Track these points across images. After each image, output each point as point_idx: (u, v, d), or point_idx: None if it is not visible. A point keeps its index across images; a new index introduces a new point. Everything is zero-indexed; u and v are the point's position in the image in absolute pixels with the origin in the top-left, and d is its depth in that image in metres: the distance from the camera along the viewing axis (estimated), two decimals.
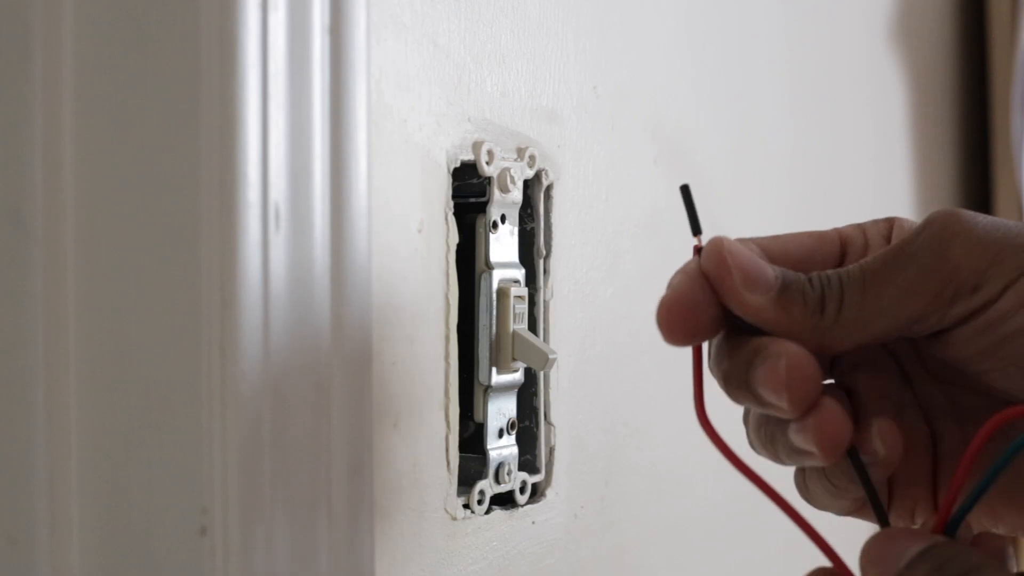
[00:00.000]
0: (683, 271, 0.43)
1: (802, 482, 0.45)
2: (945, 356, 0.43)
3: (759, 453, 0.44)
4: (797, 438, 0.41)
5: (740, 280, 0.41)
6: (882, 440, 0.42)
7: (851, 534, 0.42)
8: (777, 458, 0.44)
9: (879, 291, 0.41)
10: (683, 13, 0.74)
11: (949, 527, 0.39)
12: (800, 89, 0.90)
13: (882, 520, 0.41)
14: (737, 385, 0.42)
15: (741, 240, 0.44)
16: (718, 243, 0.42)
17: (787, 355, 0.40)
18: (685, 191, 0.44)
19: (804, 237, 0.45)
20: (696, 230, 0.44)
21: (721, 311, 0.42)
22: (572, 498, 0.62)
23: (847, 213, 1.02)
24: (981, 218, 0.41)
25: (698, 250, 0.43)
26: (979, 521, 0.44)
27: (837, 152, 0.97)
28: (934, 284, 0.41)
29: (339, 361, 0.45)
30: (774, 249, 0.44)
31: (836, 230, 0.46)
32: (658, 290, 0.42)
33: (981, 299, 0.41)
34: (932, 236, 0.41)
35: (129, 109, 0.42)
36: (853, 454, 0.42)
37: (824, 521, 0.43)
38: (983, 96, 1.23)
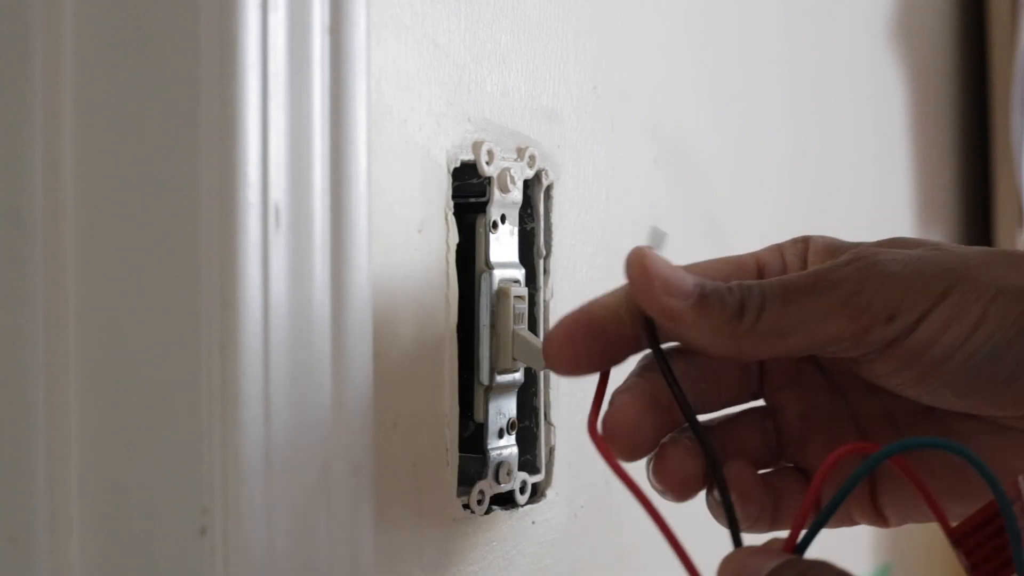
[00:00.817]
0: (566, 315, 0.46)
1: (708, 498, 0.47)
2: (878, 383, 0.45)
3: None
4: (651, 480, 0.46)
5: (660, 286, 0.43)
6: (731, 482, 0.45)
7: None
8: (661, 494, 0.46)
9: (800, 306, 0.42)
10: (683, 13, 0.74)
11: (797, 551, 0.41)
12: (800, 89, 0.90)
13: (736, 540, 0.43)
14: None
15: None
16: (639, 252, 0.44)
17: (615, 400, 0.45)
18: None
19: (720, 264, 0.47)
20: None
21: (602, 354, 0.45)
22: (572, 498, 0.62)
23: (847, 213, 1.01)
24: (901, 255, 0.43)
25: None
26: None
27: (837, 152, 0.97)
28: (850, 311, 0.42)
29: (339, 360, 0.45)
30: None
31: (753, 255, 0.48)
32: None
33: (895, 329, 0.42)
34: (855, 271, 0.43)
35: (129, 109, 0.42)
36: (716, 472, 0.44)
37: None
38: (983, 96, 1.23)
